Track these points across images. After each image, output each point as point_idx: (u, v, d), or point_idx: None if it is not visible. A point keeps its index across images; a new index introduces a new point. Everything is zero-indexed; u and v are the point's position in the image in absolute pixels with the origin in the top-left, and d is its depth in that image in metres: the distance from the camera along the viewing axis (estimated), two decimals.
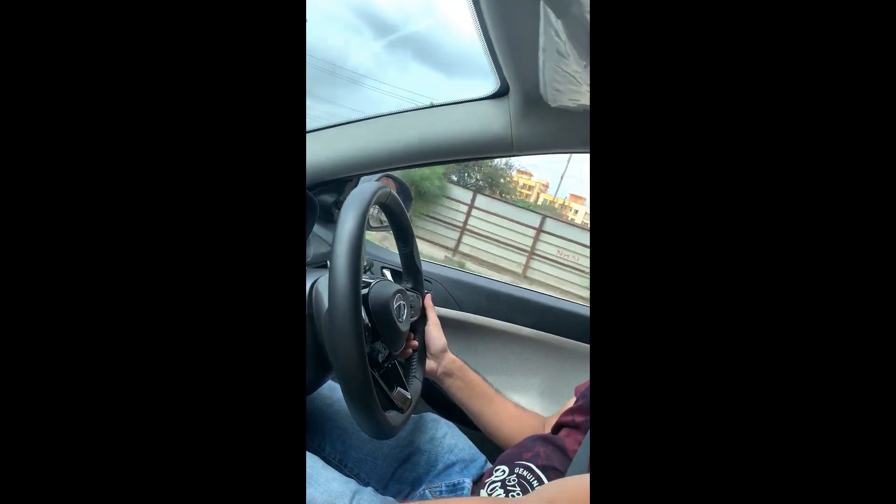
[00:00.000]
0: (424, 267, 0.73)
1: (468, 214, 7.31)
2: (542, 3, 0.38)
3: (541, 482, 0.49)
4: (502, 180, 12.89)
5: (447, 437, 0.64)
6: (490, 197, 7.93)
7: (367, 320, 0.51)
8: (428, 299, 0.68)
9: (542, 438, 0.56)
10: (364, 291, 0.52)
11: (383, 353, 0.53)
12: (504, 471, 0.53)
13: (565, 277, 6.97)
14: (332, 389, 0.71)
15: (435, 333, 0.66)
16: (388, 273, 0.88)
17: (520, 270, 7.11)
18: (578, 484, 0.33)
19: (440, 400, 0.76)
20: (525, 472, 0.51)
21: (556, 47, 0.43)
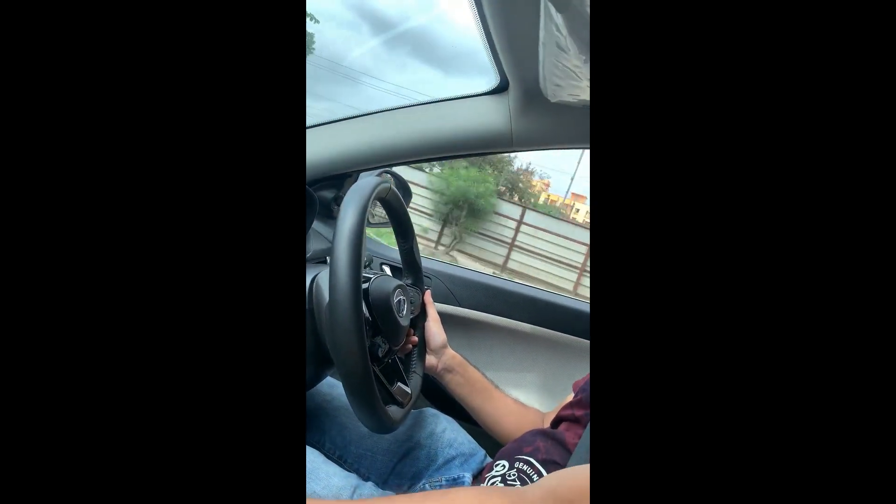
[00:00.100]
0: (423, 263, 0.73)
1: (517, 230, 7.29)
2: None
3: (541, 476, 0.49)
4: (521, 185, 12.75)
5: (447, 431, 0.65)
6: (536, 211, 7.97)
7: (367, 314, 0.51)
8: (428, 295, 0.68)
9: (541, 433, 0.56)
10: (364, 286, 0.52)
11: (383, 347, 0.53)
12: (504, 465, 0.53)
13: None
14: (331, 385, 0.71)
15: (435, 329, 0.67)
16: (387, 269, 0.88)
17: (570, 287, 7.07)
18: (580, 473, 0.33)
19: (440, 395, 0.76)
20: (525, 467, 0.51)
21: (556, 42, 0.43)
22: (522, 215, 7.38)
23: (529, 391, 0.93)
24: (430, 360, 0.66)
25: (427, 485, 0.59)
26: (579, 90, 0.54)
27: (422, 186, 7.99)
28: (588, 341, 0.89)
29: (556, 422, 0.59)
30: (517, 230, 7.28)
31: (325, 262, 0.72)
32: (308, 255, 0.69)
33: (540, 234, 7.23)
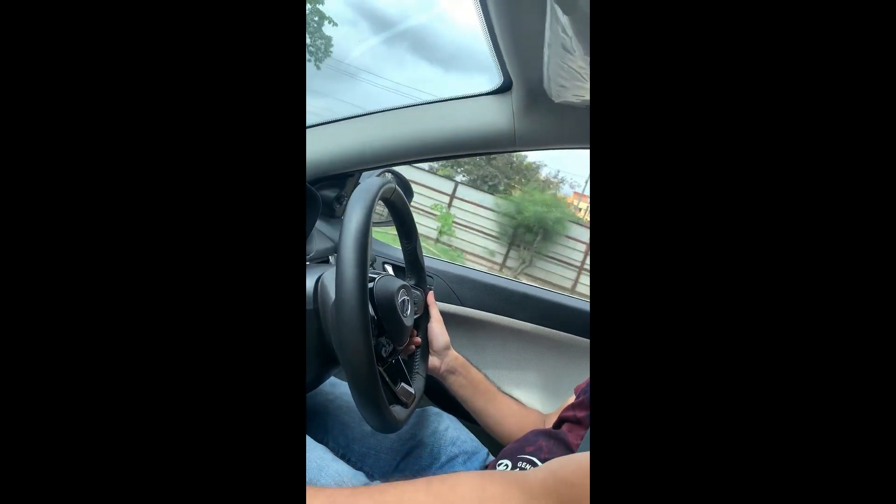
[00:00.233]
0: (426, 262, 0.74)
1: (586, 253, 7.29)
2: None
3: None
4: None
5: (449, 430, 0.65)
6: None
7: (372, 314, 0.51)
8: (431, 296, 0.68)
9: (544, 433, 0.56)
10: (369, 286, 0.52)
11: (387, 347, 0.54)
12: (507, 464, 0.54)
13: None
14: (333, 385, 0.71)
15: (438, 330, 0.67)
16: (389, 268, 0.88)
17: None
18: (582, 458, 0.34)
19: (442, 395, 0.76)
20: (528, 466, 0.51)
21: (561, 43, 0.43)
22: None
23: (531, 390, 0.93)
24: (433, 361, 0.66)
25: None
26: (584, 91, 0.54)
27: (486, 207, 8.03)
28: (589, 340, 0.90)
29: (558, 423, 0.59)
30: (586, 253, 7.27)
31: (328, 261, 0.72)
32: (311, 255, 0.69)
33: None
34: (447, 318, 0.71)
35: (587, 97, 0.56)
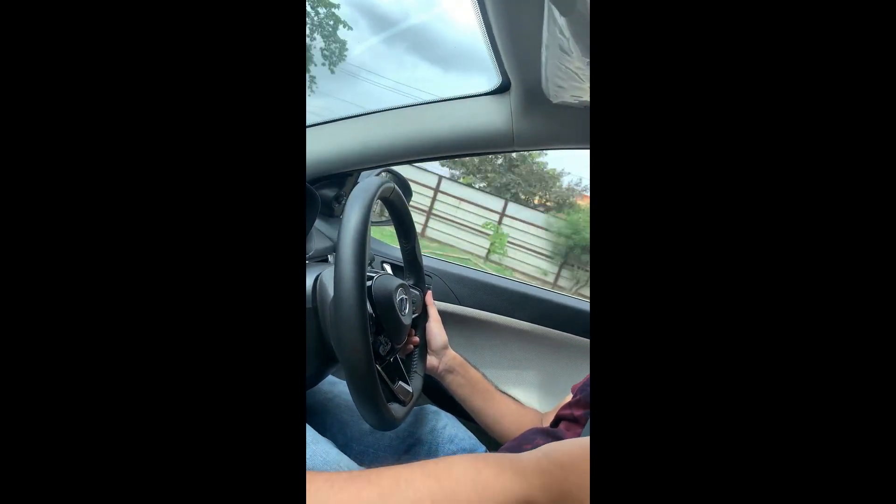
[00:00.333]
0: (424, 261, 0.74)
1: None
2: (546, 0, 0.39)
3: None
4: (574, 207, 11.65)
5: (447, 427, 0.65)
6: None
7: (370, 311, 0.51)
8: (429, 296, 0.69)
9: (542, 431, 0.57)
10: (367, 284, 0.52)
11: (385, 346, 0.54)
12: None
13: None
14: (332, 384, 0.71)
15: (436, 330, 0.67)
16: (388, 267, 0.88)
17: None
18: (575, 441, 0.34)
19: (440, 394, 0.77)
20: None
21: (559, 44, 0.44)
22: None
23: (529, 389, 0.94)
24: (432, 360, 0.67)
25: None
26: (581, 91, 0.55)
27: (538, 226, 8.02)
28: (587, 340, 0.90)
29: (556, 421, 0.60)
30: None
31: (327, 260, 0.72)
32: (310, 254, 0.69)
33: None
34: (445, 317, 0.71)
35: (584, 98, 0.57)
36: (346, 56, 10.82)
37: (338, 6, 10.04)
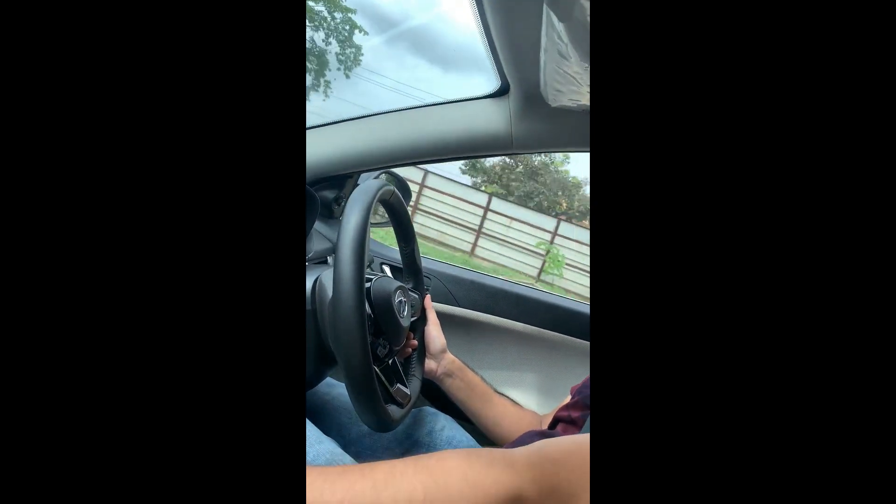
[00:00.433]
0: (423, 263, 0.74)
1: None
2: (545, 6, 0.39)
3: None
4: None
5: (445, 429, 0.65)
6: None
7: (369, 312, 0.52)
8: (428, 299, 0.69)
9: (539, 434, 0.57)
10: (366, 285, 0.52)
11: (384, 348, 0.54)
12: None
13: None
14: (330, 386, 0.71)
15: (435, 334, 0.67)
16: (387, 269, 0.88)
17: None
18: (567, 438, 0.34)
19: (438, 396, 0.77)
20: None
21: (557, 49, 0.44)
22: None
23: (527, 391, 0.94)
24: (430, 364, 0.67)
25: None
26: (580, 95, 0.55)
27: (583, 243, 8.04)
28: (586, 342, 0.90)
29: (553, 423, 0.60)
30: None
31: (326, 262, 0.72)
32: (310, 256, 0.69)
33: None
34: (444, 319, 0.72)
35: (582, 101, 0.57)
36: (361, 61, 10.85)
37: (354, 11, 10.07)
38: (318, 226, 0.78)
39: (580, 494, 0.31)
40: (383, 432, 0.60)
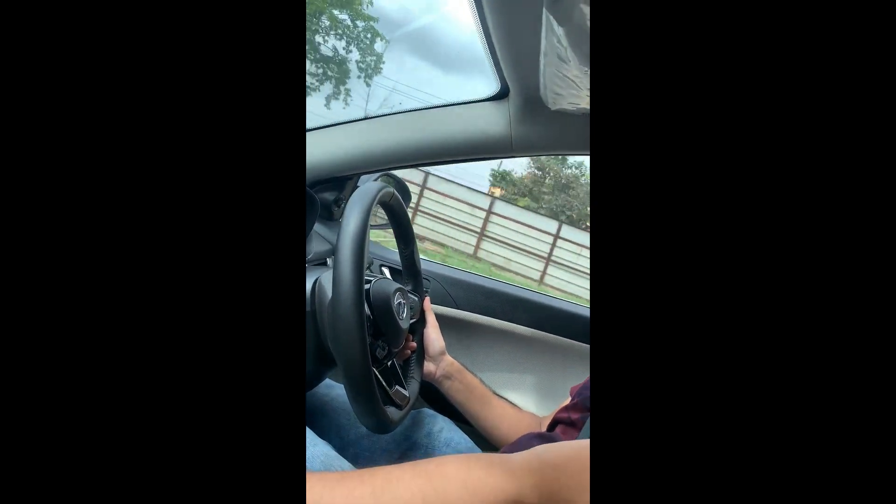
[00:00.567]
0: (422, 265, 0.74)
1: None
2: (544, 9, 0.39)
3: None
4: None
5: (444, 431, 0.65)
6: None
7: (368, 314, 0.52)
8: (427, 301, 0.69)
9: (538, 436, 0.57)
10: (365, 287, 0.53)
11: (383, 350, 0.54)
12: None
13: None
14: (329, 387, 0.71)
15: (434, 336, 0.67)
16: (386, 271, 0.88)
17: None
18: (566, 444, 0.34)
19: (437, 398, 0.77)
20: None
21: (557, 53, 0.44)
22: None
23: (526, 394, 0.94)
24: (429, 366, 0.67)
25: None
26: (579, 99, 0.55)
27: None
28: (585, 344, 0.90)
29: (552, 425, 0.60)
30: None
31: (326, 263, 0.72)
32: (309, 257, 0.70)
33: None
34: (443, 321, 0.72)
35: (582, 104, 0.57)
36: (381, 69, 10.81)
37: (377, 20, 10.04)
38: (318, 227, 0.78)
39: (580, 500, 0.31)
40: (382, 434, 0.60)
